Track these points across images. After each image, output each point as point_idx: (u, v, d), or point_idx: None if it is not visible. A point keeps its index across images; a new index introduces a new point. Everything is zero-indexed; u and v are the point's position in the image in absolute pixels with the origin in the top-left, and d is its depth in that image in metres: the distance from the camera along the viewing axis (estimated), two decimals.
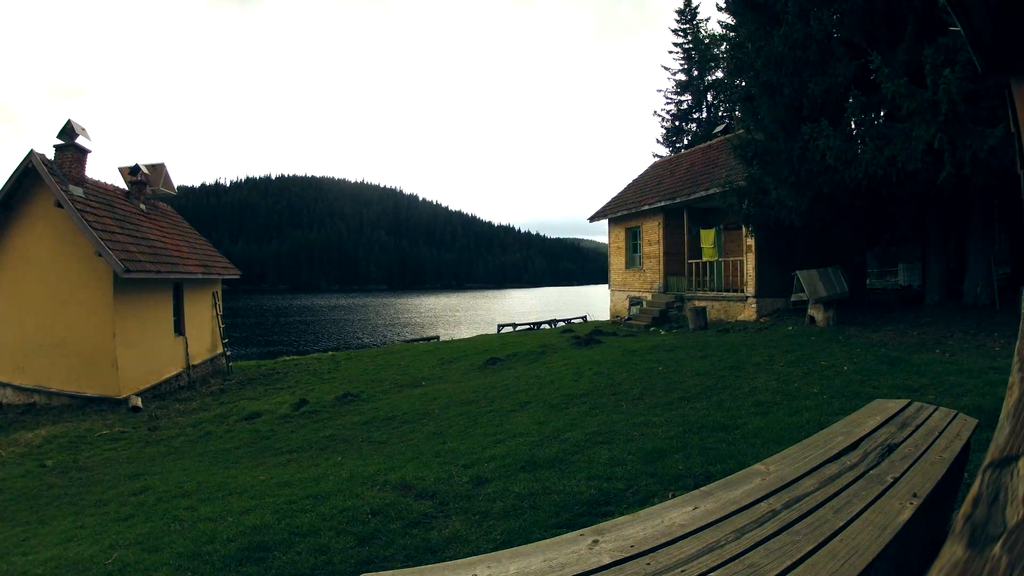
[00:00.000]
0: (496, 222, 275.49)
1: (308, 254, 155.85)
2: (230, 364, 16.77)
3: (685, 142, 32.33)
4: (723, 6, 18.49)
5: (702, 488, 1.61)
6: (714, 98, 32.23)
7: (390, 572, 1.17)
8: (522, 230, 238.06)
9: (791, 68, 9.61)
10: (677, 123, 33.85)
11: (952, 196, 9.61)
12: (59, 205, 10.90)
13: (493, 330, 27.67)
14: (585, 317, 27.42)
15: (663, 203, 16.07)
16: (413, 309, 65.85)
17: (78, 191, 11.48)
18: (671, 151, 31.47)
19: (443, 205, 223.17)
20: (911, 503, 1.48)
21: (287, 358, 19.54)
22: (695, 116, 33.44)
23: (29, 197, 11.40)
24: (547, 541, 1.30)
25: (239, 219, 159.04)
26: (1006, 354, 6.22)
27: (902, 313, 10.47)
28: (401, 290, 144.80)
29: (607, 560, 1.19)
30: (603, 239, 24.58)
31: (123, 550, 3.56)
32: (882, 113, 9.48)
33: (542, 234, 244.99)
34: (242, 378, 14.94)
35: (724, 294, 14.11)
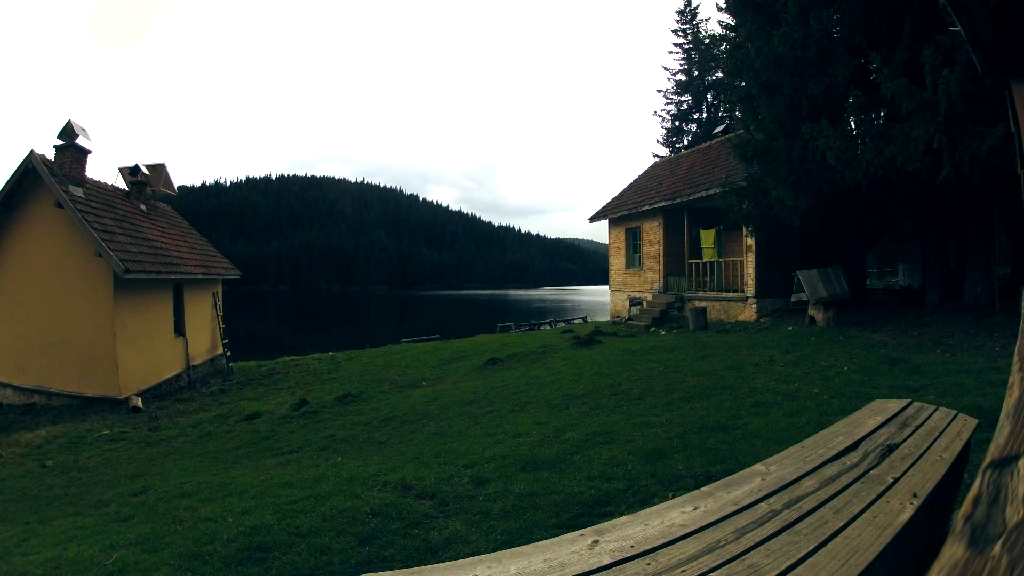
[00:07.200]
0: (496, 222, 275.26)
1: (308, 254, 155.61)
2: (230, 364, 16.77)
3: (685, 142, 32.33)
4: (723, 6, 18.50)
5: (702, 488, 1.61)
6: (714, 98, 32.20)
7: (390, 572, 1.17)
8: (522, 230, 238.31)
9: (791, 68, 9.60)
10: (677, 123, 33.85)
11: (952, 196, 9.61)
12: (59, 205, 10.91)
13: (492, 330, 27.64)
14: (585, 317, 27.41)
15: (663, 203, 16.07)
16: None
17: (78, 191, 11.48)
18: (671, 151, 31.46)
19: (443, 205, 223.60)
20: (911, 503, 1.47)
21: (287, 358, 19.53)
22: (695, 116, 33.43)
23: (29, 197, 11.41)
24: (547, 541, 1.29)
25: (239, 219, 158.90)
26: (1006, 354, 6.22)
27: (902, 313, 10.47)
28: (401, 290, 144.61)
29: (607, 560, 1.19)
30: (603, 239, 24.56)
31: (123, 550, 3.56)
32: (882, 113, 9.48)
33: (542, 234, 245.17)
34: (242, 378, 14.94)
35: (724, 294, 14.11)
